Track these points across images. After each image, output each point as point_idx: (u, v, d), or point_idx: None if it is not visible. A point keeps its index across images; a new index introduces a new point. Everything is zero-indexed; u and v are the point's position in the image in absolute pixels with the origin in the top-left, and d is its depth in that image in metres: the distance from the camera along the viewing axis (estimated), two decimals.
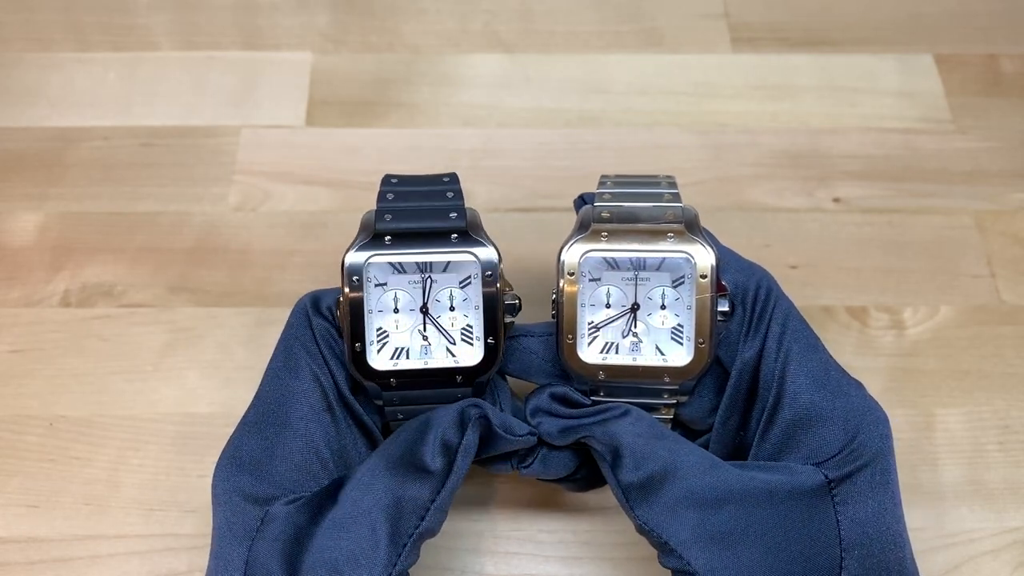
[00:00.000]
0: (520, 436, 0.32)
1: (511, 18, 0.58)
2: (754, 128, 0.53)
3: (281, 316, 0.45)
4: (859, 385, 0.33)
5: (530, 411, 0.33)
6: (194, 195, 0.50)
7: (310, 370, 0.33)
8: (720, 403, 0.34)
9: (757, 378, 0.33)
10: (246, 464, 0.31)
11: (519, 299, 0.33)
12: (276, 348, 0.34)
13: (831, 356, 0.34)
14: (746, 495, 0.30)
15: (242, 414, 0.39)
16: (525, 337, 0.35)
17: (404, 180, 0.35)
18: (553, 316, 0.33)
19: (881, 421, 0.32)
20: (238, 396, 0.43)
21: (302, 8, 0.58)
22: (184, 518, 0.40)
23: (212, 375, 0.44)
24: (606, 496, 0.41)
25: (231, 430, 0.41)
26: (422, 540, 0.30)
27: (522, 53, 0.57)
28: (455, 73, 0.55)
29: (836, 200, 0.50)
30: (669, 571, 0.31)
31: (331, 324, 0.34)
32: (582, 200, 0.37)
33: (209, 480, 0.39)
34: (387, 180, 0.35)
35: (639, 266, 0.33)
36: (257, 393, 0.34)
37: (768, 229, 0.49)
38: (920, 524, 0.40)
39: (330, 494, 0.31)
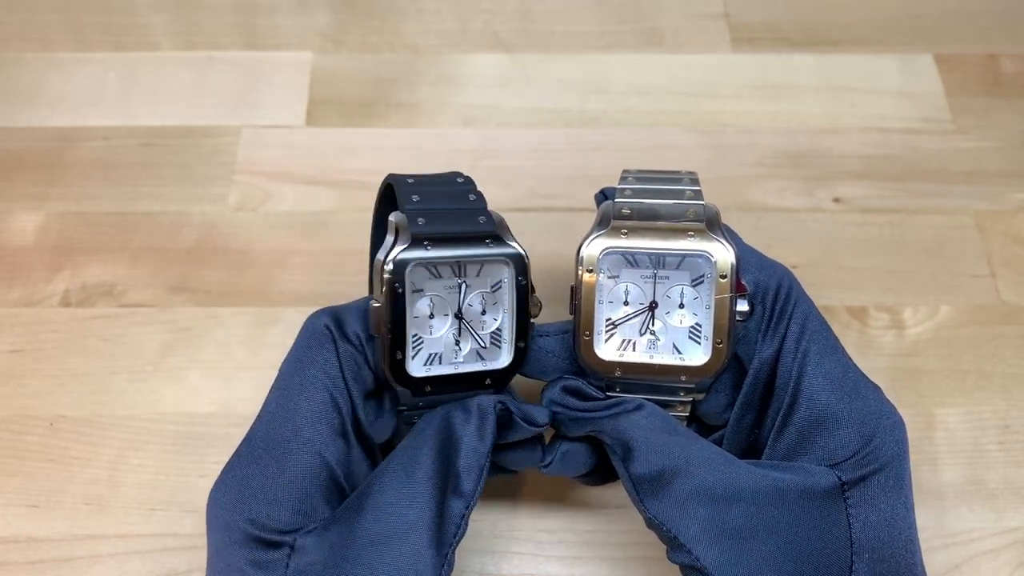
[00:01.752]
0: (541, 425, 0.32)
1: (511, 18, 0.58)
2: (754, 128, 0.53)
3: (281, 316, 0.45)
4: (876, 388, 0.33)
5: (544, 403, 0.33)
6: (194, 195, 0.50)
7: (329, 395, 0.31)
8: (736, 399, 0.34)
9: (774, 377, 0.33)
10: (258, 492, 0.30)
11: (540, 302, 0.33)
12: (287, 366, 0.33)
13: (850, 358, 0.34)
14: (758, 493, 0.30)
15: (241, 413, 0.39)
16: (540, 337, 0.35)
17: (421, 182, 0.34)
18: (571, 312, 0.33)
19: (897, 425, 0.32)
20: (238, 396, 0.43)
21: (302, 8, 0.58)
22: (184, 518, 0.40)
23: (212, 375, 0.44)
24: (606, 496, 0.41)
25: (231, 430, 0.42)
26: (458, 545, 0.30)
27: (522, 53, 0.57)
28: (455, 73, 0.55)
29: (836, 200, 0.50)
30: (677, 567, 0.31)
31: (358, 351, 0.32)
32: (603, 195, 0.37)
33: (209, 480, 0.39)
34: (402, 183, 0.34)
35: (658, 264, 0.33)
36: (265, 413, 0.32)
37: (768, 229, 0.49)
38: (920, 524, 0.40)
39: (357, 506, 0.30)
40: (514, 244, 0.32)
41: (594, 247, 0.32)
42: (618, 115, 0.54)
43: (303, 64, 0.55)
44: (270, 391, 0.32)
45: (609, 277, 0.33)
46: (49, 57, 0.55)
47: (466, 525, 0.30)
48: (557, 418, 0.33)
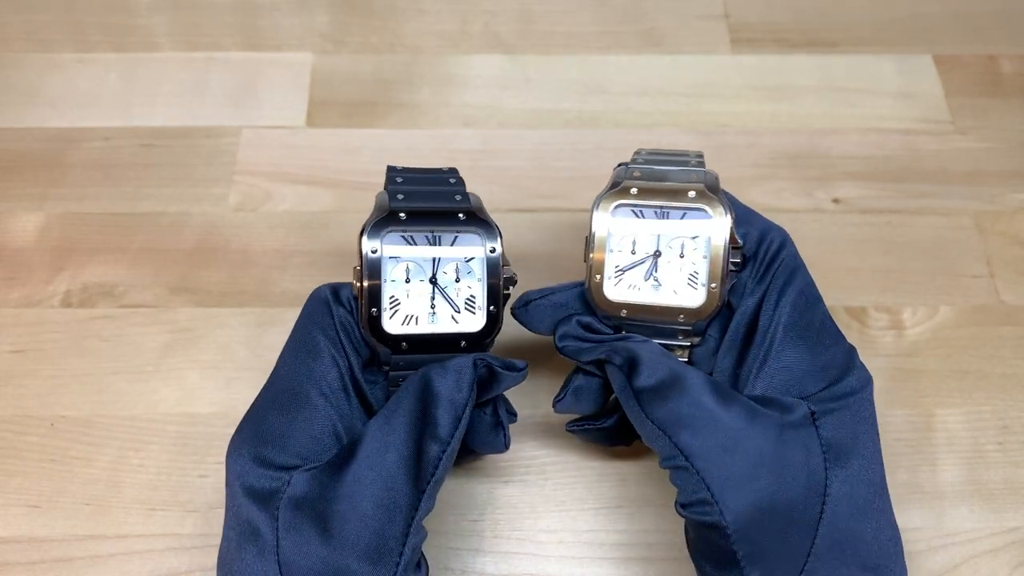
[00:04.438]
0: (521, 370, 0.35)
1: (511, 19, 0.58)
2: (754, 129, 0.53)
3: (281, 316, 0.45)
4: (851, 346, 0.36)
5: (559, 335, 0.37)
6: (194, 195, 0.50)
7: (329, 353, 0.35)
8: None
9: (757, 322, 0.36)
10: (267, 437, 0.33)
11: (515, 274, 0.36)
12: (293, 333, 0.36)
13: (829, 314, 0.36)
14: (745, 410, 0.33)
15: (241, 413, 0.39)
16: (552, 295, 0.38)
17: (409, 169, 0.38)
18: (584, 260, 0.37)
19: (865, 381, 0.35)
20: (239, 396, 0.43)
21: (302, 8, 0.58)
22: (185, 518, 0.40)
23: (212, 375, 0.44)
24: (606, 496, 0.41)
25: (231, 430, 0.42)
26: (437, 487, 0.32)
27: (522, 54, 0.57)
28: (455, 74, 0.56)
29: (836, 200, 0.51)
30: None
31: (350, 314, 0.36)
32: (621, 165, 0.40)
33: (210, 480, 0.40)
34: (392, 169, 0.38)
35: (663, 218, 0.37)
36: (274, 373, 0.35)
37: None
38: (920, 524, 0.40)
39: (348, 454, 0.32)
40: (487, 219, 0.36)
41: (606, 202, 0.36)
42: (618, 116, 0.54)
43: (303, 64, 0.56)
44: (281, 352, 0.36)
45: (619, 228, 0.37)
46: (50, 58, 0.56)
47: (444, 469, 0.32)
48: (570, 348, 0.36)
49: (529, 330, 0.38)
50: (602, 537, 0.40)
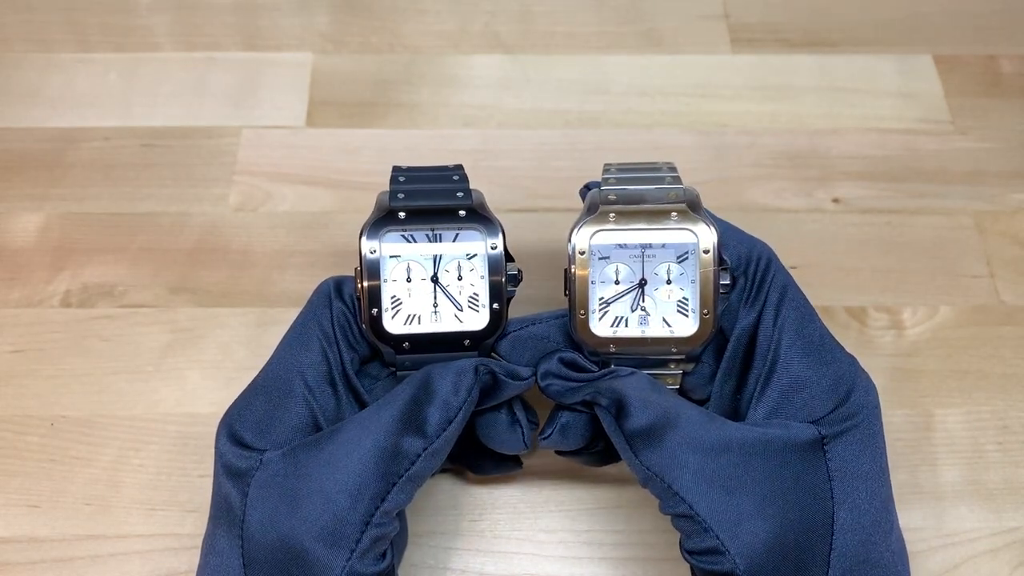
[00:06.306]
0: (526, 379, 0.34)
1: (511, 19, 0.58)
2: (754, 129, 0.53)
3: (281, 316, 0.45)
4: (852, 357, 0.35)
5: (541, 374, 0.35)
6: (195, 195, 0.50)
7: (320, 347, 0.35)
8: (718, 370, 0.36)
9: (754, 344, 0.35)
10: (248, 420, 0.33)
11: (520, 270, 0.35)
12: (294, 321, 0.36)
13: (826, 327, 0.35)
14: (744, 444, 0.31)
15: None
16: (533, 326, 0.36)
17: (413, 168, 0.38)
18: (565, 294, 0.35)
19: (871, 390, 0.34)
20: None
21: (302, 8, 0.58)
22: (185, 518, 0.40)
23: (213, 375, 0.44)
24: (606, 496, 0.41)
25: None
26: (413, 483, 0.32)
27: (522, 54, 0.57)
28: (455, 74, 0.56)
29: (836, 200, 0.51)
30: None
31: (350, 310, 0.36)
32: (587, 188, 0.38)
33: (210, 480, 0.40)
34: (397, 168, 0.38)
35: (646, 244, 0.35)
36: (270, 359, 0.35)
37: (768, 229, 0.49)
38: (919, 524, 0.40)
39: (329, 435, 0.32)
40: (488, 216, 0.35)
41: (584, 232, 0.34)
42: (618, 116, 0.54)
43: (303, 64, 0.56)
44: (281, 340, 0.36)
45: (600, 259, 0.35)
46: (50, 57, 0.56)
47: (425, 467, 0.32)
48: (553, 388, 0.34)
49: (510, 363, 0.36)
50: (601, 537, 0.40)
